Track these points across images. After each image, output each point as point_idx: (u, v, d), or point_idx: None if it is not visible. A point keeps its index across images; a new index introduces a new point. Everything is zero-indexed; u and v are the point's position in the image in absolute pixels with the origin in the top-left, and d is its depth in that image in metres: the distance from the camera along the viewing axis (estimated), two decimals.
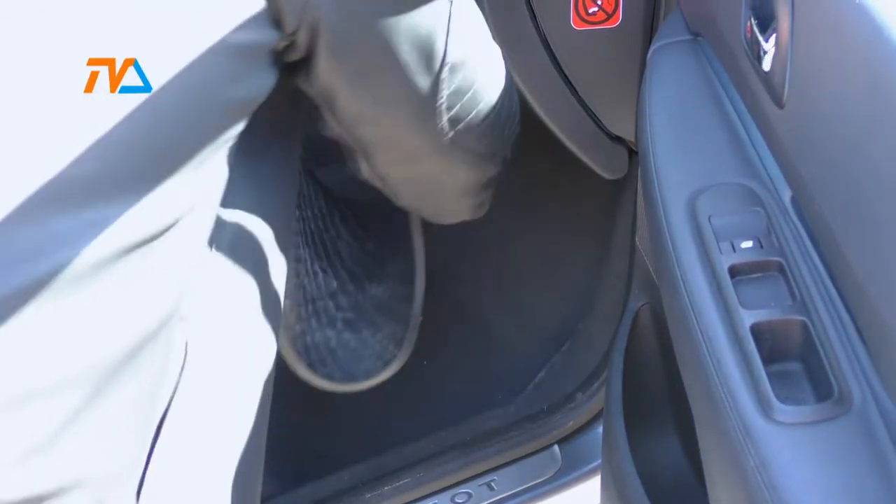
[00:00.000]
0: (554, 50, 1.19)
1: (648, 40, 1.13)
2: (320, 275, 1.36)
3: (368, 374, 1.32)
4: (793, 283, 0.68)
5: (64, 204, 0.63)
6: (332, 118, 0.91)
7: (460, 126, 0.95)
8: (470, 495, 1.34)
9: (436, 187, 1.08)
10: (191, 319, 0.77)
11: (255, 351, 0.85)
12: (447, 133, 0.94)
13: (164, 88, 0.68)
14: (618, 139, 1.25)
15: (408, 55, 0.86)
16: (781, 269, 0.70)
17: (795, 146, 0.70)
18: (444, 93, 0.91)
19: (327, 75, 0.84)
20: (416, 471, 1.32)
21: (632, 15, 1.13)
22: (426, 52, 0.87)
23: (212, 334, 0.79)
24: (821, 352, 0.64)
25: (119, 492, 0.68)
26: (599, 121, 1.24)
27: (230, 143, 0.76)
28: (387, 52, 0.85)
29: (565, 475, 1.36)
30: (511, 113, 1.07)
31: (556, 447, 1.37)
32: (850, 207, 0.62)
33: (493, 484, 1.35)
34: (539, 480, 1.36)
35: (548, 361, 1.43)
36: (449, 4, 0.88)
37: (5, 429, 0.59)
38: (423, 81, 0.88)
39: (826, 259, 0.68)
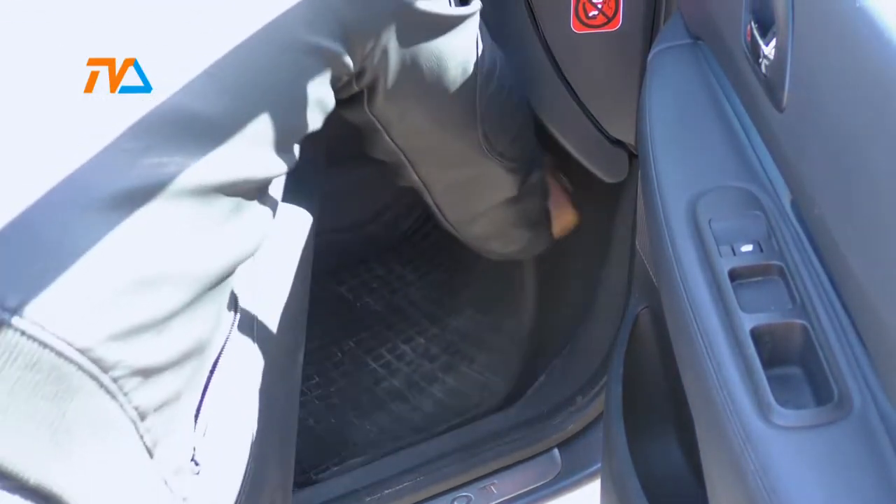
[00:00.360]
0: (554, 53, 1.19)
1: (648, 44, 1.13)
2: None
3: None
4: (793, 287, 0.68)
5: (179, 131, 0.71)
6: (382, 140, 1.02)
7: (495, 129, 1.08)
8: (470, 499, 1.34)
9: (475, 196, 1.17)
10: (236, 284, 0.87)
11: (287, 328, 0.96)
12: (485, 137, 1.07)
13: (247, 66, 0.77)
14: (618, 142, 1.25)
15: (455, 72, 0.99)
16: (781, 273, 0.70)
17: (795, 150, 0.70)
18: (481, 99, 1.03)
19: (386, 104, 0.96)
20: (415, 474, 1.32)
21: (632, 18, 1.13)
22: (466, 67, 1.00)
23: (252, 303, 0.90)
24: (821, 355, 0.64)
25: (188, 398, 0.77)
26: (599, 124, 1.24)
27: (299, 141, 0.85)
28: (439, 74, 0.98)
29: (565, 479, 1.36)
30: (533, 118, 1.18)
31: (556, 451, 1.37)
32: (850, 211, 0.62)
33: (493, 487, 1.35)
34: (539, 484, 1.36)
35: (548, 365, 1.43)
36: (477, 21, 1.00)
37: (133, 303, 0.68)
38: (465, 93, 1.01)
39: (826, 262, 0.68)
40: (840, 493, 0.59)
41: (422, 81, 0.96)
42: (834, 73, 0.63)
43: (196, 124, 0.73)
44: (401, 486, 1.31)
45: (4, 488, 0.64)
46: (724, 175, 0.78)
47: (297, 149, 0.85)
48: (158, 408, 0.72)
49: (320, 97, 0.85)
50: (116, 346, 0.67)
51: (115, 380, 0.67)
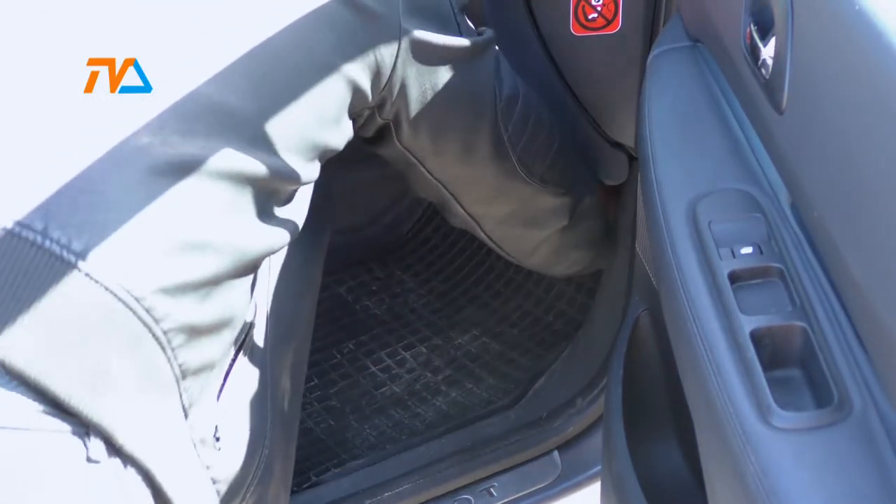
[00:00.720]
0: (554, 56, 1.19)
1: (648, 46, 1.13)
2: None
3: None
4: (793, 289, 0.68)
5: (220, 123, 0.77)
6: (420, 174, 1.06)
7: (528, 155, 1.10)
8: (470, 501, 1.34)
9: (529, 228, 1.19)
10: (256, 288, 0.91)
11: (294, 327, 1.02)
12: (520, 162, 1.09)
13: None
14: (617, 145, 1.25)
15: (475, 100, 1.02)
16: (781, 275, 0.70)
17: (795, 152, 0.70)
18: (505, 126, 1.06)
19: (415, 135, 0.99)
20: (415, 477, 1.32)
21: (631, 21, 1.13)
22: (485, 95, 1.03)
23: (266, 303, 0.94)
24: (820, 358, 0.64)
25: (217, 375, 0.82)
26: (599, 126, 1.24)
27: (321, 156, 0.89)
28: (459, 103, 1.01)
29: (565, 481, 1.36)
30: (574, 145, 1.19)
31: (556, 453, 1.37)
32: (849, 213, 0.62)
33: (493, 490, 1.35)
34: (539, 486, 1.36)
35: (548, 368, 1.43)
36: (493, 49, 1.03)
37: (182, 263, 0.73)
38: (488, 120, 1.04)
39: (826, 265, 0.68)
40: (840, 496, 0.59)
41: (443, 110, 1.00)
42: (833, 76, 0.63)
43: (233, 118, 0.78)
44: (401, 489, 1.30)
45: (69, 430, 0.68)
46: (724, 177, 0.78)
47: (317, 165, 0.88)
48: (196, 371, 0.77)
49: (339, 117, 0.88)
50: (166, 299, 0.72)
51: (165, 332, 0.72)
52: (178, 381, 0.75)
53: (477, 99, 1.03)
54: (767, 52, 0.71)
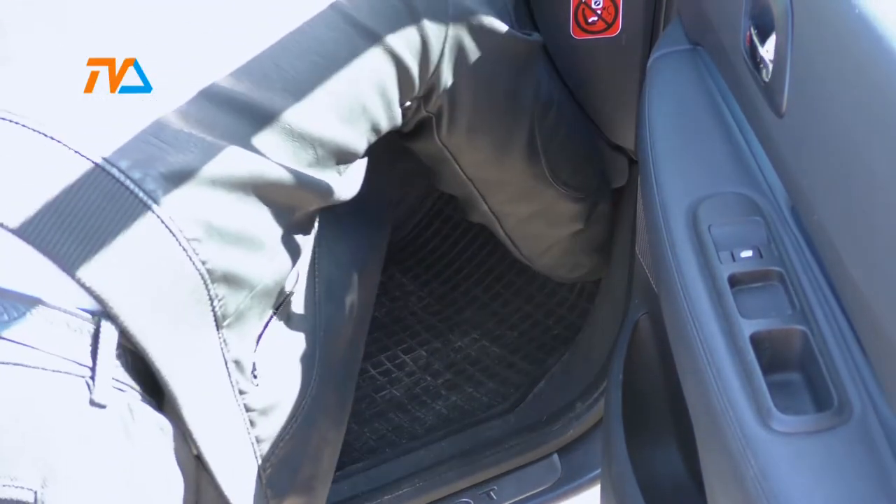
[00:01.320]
0: (554, 59, 1.19)
1: (648, 50, 1.13)
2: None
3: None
4: (792, 293, 0.68)
5: (269, 81, 0.79)
6: (452, 170, 1.06)
7: (557, 159, 1.12)
8: None
9: (546, 228, 1.21)
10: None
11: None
12: (548, 166, 1.11)
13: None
14: (618, 148, 1.25)
15: (516, 100, 1.03)
16: (781, 279, 0.70)
17: (795, 155, 0.70)
18: (540, 130, 1.07)
19: (455, 131, 1.00)
20: (415, 480, 1.32)
21: (631, 24, 1.13)
22: (526, 96, 1.04)
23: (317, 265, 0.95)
24: (820, 361, 0.64)
25: (254, 310, 0.81)
26: (599, 130, 1.24)
27: (369, 132, 0.88)
28: (501, 102, 1.02)
29: (565, 484, 1.36)
30: (597, 152, 1.21)
31: (555, 456, 1.37)
32: (849, 217, 0.62)
33: (492, 493, 1.35)
34: (539, 489, 1.36)
35: (547, 371, 1.43)
36: (539, 53, 1.05)
37: (183, 147, 0.73)
38: (524, 122, 1.05)
39: (826, 268, 0.68)
40: (839, 499, 0.59)
41: (484, 107, 1.00)
42: (833, 79, 0.63)
43: (278, 76, 0.79)
44: (400, 492, 1.30)
45: (73, 372, 0.68)
46: (724, 181, 0.78)
47: (358, 137, 0.87)
48: (227, 279, 0.76)
49: (384, 91, 0.87)
50: (161, 180, 0.71)
51: (171, 218, 0.71)
52: (205, 281, 0.74)
53: (517, 99, 1.04)
54: (767, 55, 0.71)
